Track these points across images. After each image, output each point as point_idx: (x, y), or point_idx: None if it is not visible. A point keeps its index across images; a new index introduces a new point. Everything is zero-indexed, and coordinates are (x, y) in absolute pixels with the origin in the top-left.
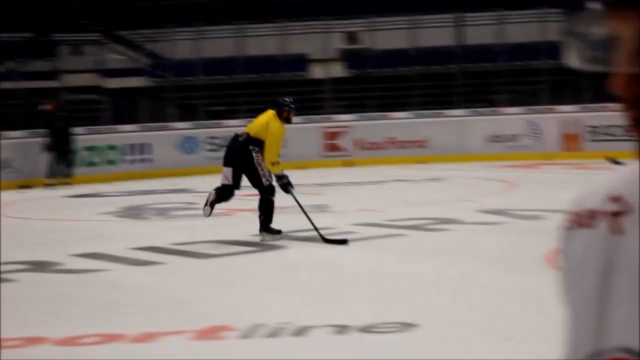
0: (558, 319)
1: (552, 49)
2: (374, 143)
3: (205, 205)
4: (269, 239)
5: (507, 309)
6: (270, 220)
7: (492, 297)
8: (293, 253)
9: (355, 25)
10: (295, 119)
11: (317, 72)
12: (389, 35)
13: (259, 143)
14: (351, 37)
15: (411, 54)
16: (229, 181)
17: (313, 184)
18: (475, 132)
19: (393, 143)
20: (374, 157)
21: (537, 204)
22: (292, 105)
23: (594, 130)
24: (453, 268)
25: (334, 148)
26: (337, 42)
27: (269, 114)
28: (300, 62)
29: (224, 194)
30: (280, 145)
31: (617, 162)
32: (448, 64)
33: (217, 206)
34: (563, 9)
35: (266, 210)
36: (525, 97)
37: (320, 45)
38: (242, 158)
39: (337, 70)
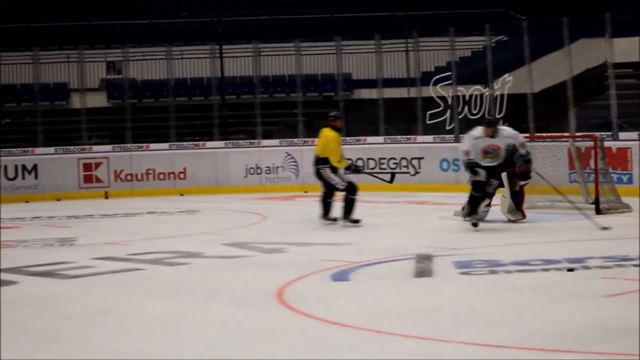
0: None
1: (308, 82)
2: (131, 174)
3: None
4: (349, 225)
5: (222, 342)
6: (350, 211)
7: (207, 331)
8: (28, 289)
9: (115, 54)
10: (51, 149)
11: (77, 101)
12: (150, 65)
13: (325, 160)
14: (113, 66)
15: (170, 84)
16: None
17: (67, 216)
18: (234, 164)
19: (151, 174)
20: (131, 188)
21: (282, 237)
22: (332, 116)
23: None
24: (179, 303)
25: (91, 179)
26: (100, 72)
27: (324, 131)
28: (60, 91)
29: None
30: (338, 148)
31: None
32: (208, 95)
33: None
34: (317, 42)
35: (346, 205)
36: (283, 129)
37: (82, 74)
38: (317, 174)
39: (98, 100)
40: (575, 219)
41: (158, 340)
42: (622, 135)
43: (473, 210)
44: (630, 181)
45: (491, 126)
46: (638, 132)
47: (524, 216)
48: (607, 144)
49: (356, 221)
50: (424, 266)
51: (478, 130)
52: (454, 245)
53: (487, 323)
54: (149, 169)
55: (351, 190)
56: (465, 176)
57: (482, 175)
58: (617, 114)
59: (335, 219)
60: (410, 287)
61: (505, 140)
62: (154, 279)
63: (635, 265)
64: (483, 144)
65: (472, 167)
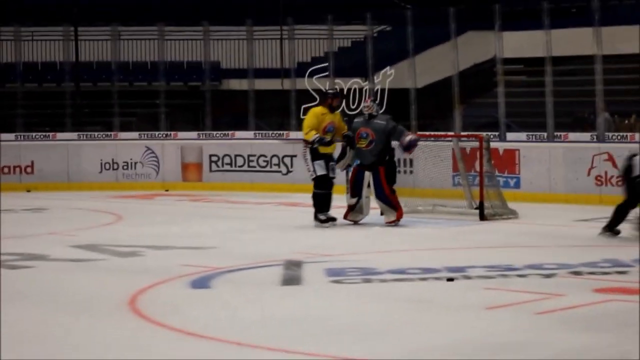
0: None
1: (172, 70)
2: None
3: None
4: (318, 225)
5: (66, 354)
6: (318, 209)
7: (50, 341)
8: None
9: None
10: None
11: None
12: None
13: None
14: None
15: (19, 69)
16: None
17: None
18: (87, 158)
19: None
20: None
21: (139, 239)
22: (329, 93)
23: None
24: (20, 311)
25: None
26: None
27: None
28: None
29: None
30: (311, 121)
31: None
32: (60, 81)
33: None
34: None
35: (313, 202)
36: (143, 120)
37: None
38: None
39: None
40: (458, 225)
41: None
42: (510, 135)
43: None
44: (517, 185)
45: None
46: (527, 133)
47: (399, 217)
48: (494, 144)
49: (325, 220)
50: (292, 273)
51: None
52: (326, 251)
53: (359, 336)
54: None
55: (319, 184)
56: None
57: None
58: (505, 112)
59: (331, 220)
60: (276, 296)
61: None
62: None
63: (519, 276)
64: None
65: None
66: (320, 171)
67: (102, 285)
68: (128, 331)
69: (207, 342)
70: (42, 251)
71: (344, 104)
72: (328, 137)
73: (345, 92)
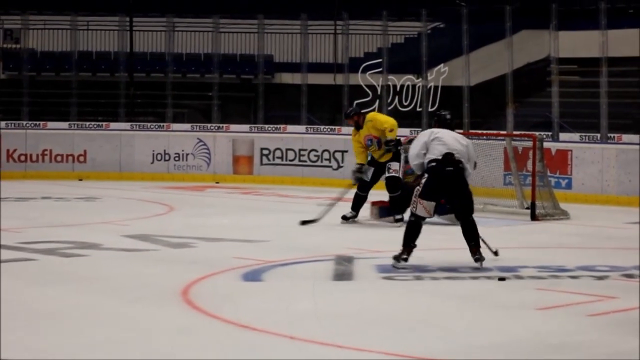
0: None
1: (225, 62)
2: (26, 155)
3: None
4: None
5: (119, 342)
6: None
7: (103, 329)
8: None
9: (14, 22)
10: None
11: None
12: (51, 36)
13: None
14: (10, 35)
15: (74, 57)
16: None
17: None
18: (140, 148)
19: (48, 156)
20: (25, 170)
21: (190, 230)
22: (348, 111)
23: (267, 153)
24: (74, 298)
25: None
26: None
27: None
28: None
29: None
30: (355, 147)
31: None
32: (114, 71)
33: None
34: (237, 19)
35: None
36: (195, 112)
37: None
38: None
39: None
40: (509, 224)
41: (50, 337)
42: (563, 136)
43: None
44: (569, 186)
45: None
46: (580, 134)
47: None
48: (546, 144)
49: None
50: (343, 268)
51: None
52: (376, 247)
53: (409, 332)
54: (45, 150)
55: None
56: None
57: None
58: (559, 113)
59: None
60: (327, 291)
61: None
62: (47, 270)
63: (571, 277)
64: None
65: None
66: (365, 177)
67: (154, 275)
68: (181, 321)
69: (260, 334)
70: (95, 240)
71: (397, 100)
72: (374, 153)
73: (398, 88)
